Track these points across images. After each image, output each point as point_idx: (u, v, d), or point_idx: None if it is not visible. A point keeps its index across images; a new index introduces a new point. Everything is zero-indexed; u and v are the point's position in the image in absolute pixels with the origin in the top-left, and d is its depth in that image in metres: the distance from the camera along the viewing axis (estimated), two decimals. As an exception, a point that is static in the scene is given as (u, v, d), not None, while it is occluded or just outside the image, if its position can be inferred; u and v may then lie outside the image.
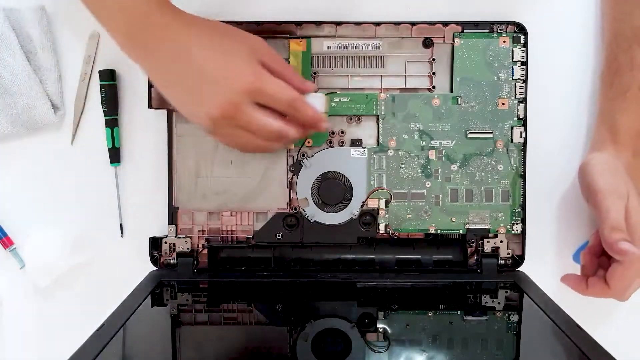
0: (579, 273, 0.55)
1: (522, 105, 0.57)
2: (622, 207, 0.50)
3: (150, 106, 0.57)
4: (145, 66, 0.48)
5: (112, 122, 0.58)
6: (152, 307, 0.51)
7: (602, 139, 0.55)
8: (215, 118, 0.46)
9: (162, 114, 0.57)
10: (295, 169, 0.57)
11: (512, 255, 0.57)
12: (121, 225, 0.59)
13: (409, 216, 0.57)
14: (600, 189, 0.51)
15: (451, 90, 0.57)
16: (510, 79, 0.57)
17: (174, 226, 0.57)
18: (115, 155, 0.58)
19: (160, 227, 0.58)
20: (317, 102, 0.50)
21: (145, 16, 0.45)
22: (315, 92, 0.51)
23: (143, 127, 0.58)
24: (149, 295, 0.51)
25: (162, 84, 0.48)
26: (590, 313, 0.58)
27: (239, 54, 0.46)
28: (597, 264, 0.54)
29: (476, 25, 0.57)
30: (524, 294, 0.52)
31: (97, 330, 0.44)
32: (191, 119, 0.49)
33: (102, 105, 0.58)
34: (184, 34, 0.46)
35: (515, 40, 0.56)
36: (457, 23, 0.56)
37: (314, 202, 0.57)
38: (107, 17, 0.46)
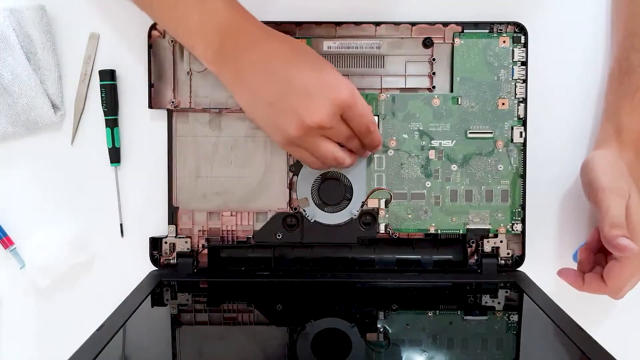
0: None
1: (522, 105, 0.57)
2: (623, 205, 0.50)
3: (150, 106, 0.57)
4: (232, 79, 0.48)
5: (112, 122, 0.58)
6: (152, 307, 0.51)
7: (606, 136, 0.55)
8: (307, 127, 0.47)
9: (162, 114, 0.57)
10: (295, 169, 0.57)
11: (512, 255, 0.57)
12: (121, 225, 0.59)
13: (409, 216, 0.57)
14: (602, 186, 0.51)
15: (451, 90, 0.57)
16: (510, 79, 0.57)
17: (174, 226, 0.57)
18: (115, 155, 0.58)
19: (160, 227, 0.58)
20: None
21: (237, 25, 0.47)
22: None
23: (143, 127, 0.58)
24: (149, 295, 0.51)
25: (248, 97, 0.49)
26: (590, 313, 0.58)
27: (330, 69, 0.49)
28: (594, 260, 0.54)
29: (476, 25, 0.57)
30: (524, 294, 0.52)
31: (97, 330, 0.44)
32: (274, 132, 0.49)
33: (102, 105, 0.58)
34: (275, 44, 0.48)
35: (515, 40, 0.56)
36: (457, 23, 0.56)
37: (314, 202, 0.57)
38: (198, 34, 0.47)
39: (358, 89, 0.56)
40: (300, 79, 0.47)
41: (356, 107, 0.48)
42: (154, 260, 0.57)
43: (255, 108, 0.49)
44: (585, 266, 0.54)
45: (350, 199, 0.57)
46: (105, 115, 0.58)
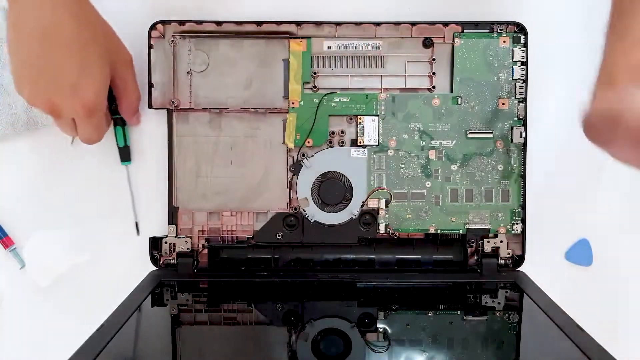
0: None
1: (522, 105, 0.57)
2: None
3: (150, 106, 0.57)
4: (9, 25, 0.47)
5: (122, 121, 0.57)
6: (152, 307, 0.51)
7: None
8: (38, 107, 0.49)
9: (162, 114, 0.57)
10: (295, 169, 0.57)
11: (512, 255, 0.57)
12: (137, 223, 0.59)
13: (409, 216, 0.57)
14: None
15: (451, 90, 0.57)
16: (510, 79, 0.57)
17: (174, 226, 0.57)
18: (125, 154, 0.58)
19: (160, 227, 0.58)
20: None
21: None
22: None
23: (143, 127, 0.58)
24: (149, 295, 0.51)
25: (13, 48, 0.48)
26: (590, 313, 0.58)
27: (97, 66, 0.49)
28: None
29: (476, 25, 0.57)
30: (524, 294, 0.52)
31: (97, 330, 0.44)
32: (17, 88, 0.49)
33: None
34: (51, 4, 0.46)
35: (515, 40, 0.56)
36: (457, 23, 0.56)
37: (314, 202, 0.57)
38: None
39: (358, 89, 0.57)
40: (59, 57, 0.47)
41: (91, 119, 0.50)
42: (154, 260, 0.57)
43: (15, 69, 0.48)
44: None
45: (350, 199, 0.57)
46: (112, 115, 0.57)
